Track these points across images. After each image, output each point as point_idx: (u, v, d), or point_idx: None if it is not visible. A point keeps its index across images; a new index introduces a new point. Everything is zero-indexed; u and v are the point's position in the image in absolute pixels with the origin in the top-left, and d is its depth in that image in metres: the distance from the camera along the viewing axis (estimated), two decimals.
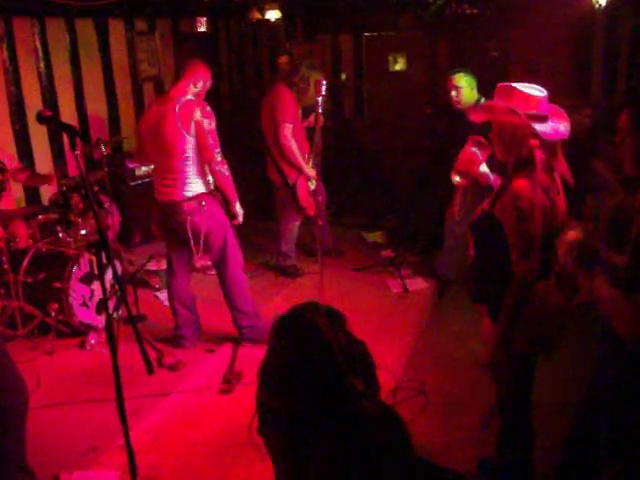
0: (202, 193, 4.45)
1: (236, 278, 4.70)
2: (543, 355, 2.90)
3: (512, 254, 2.63)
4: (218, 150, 4.35)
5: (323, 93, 4.58)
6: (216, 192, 4.59)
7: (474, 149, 3.09)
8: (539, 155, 2.65)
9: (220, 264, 4.67)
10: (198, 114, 4.29)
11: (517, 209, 2.59)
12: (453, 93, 4.89)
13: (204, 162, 4.40)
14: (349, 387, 1.32)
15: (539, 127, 2.62)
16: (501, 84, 2.80)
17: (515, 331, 2.74)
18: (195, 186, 4.42)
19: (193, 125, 4.28)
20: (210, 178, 4.50)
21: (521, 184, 2.63)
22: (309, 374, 1.34)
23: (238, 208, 4.55)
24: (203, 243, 4.48)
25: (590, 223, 5.24)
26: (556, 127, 2.68)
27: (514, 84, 2.73)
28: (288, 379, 1.37)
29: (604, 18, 5.86)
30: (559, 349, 2.91)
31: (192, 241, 4.47)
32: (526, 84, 2.74)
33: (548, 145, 2.66)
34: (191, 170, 4.39)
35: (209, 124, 4.32)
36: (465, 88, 4.88)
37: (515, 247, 2.62)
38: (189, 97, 4.39)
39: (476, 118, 2.91)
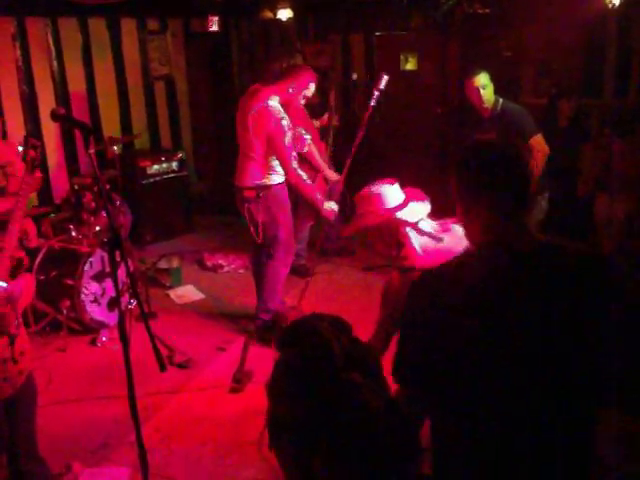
0: (263, 185, 4.58)
1: (273, 274, 4.81)
2: None
3: None
4: (290, 161, 4.50)
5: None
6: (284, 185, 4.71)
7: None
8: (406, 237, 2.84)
9: (265, 255, 4.79)
10: (271, 127, 4.42)
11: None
12: (482, 92, 4.80)
13: (268, 159, 4.55)
14: (346, 381, 1.31)
15: (399, 214, 2.86)
16: (358, 194, 2.98)
17: None
18: (256, 178, 4.57)
19: (264, 135, 4.44)
20: (274, 174, 4.62)
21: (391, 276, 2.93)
22: (306, 375, 1.34)
23: (325, 209, 4.67)
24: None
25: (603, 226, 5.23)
26: (418, 206, 2.92)
27: (369, 189, 2.92)
28: (288, 384, 1.37)
29: (618, 17, 5.83)
30: None
31: (251, 227, 4.65)
32: (377, 183, 2.93)
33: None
34: (254, 164, 4.56)
35: (281, 138, 4.42)
36: (489, 86, 4.82)
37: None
38: (271, 102, 4.46)
39: (348, 233, 3.24)
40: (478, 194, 1.78)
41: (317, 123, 6.24)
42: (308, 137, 5.60)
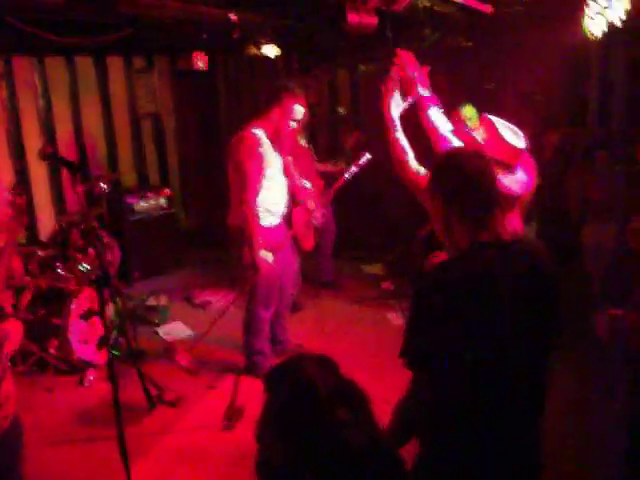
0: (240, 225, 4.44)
1: (254, 315, 4.70)
2: None
3: None
4: (250, 190, 4.31)
5: None
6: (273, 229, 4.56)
7: None
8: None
9: (248, 295, 4.70)
10: (244, 150, 4.31)
11: None
12: (469, 124, 4.86)
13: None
14: (331, 420, 1.31)
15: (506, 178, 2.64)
16: (490, 121, 2.79)
17: None
18: (237, 215, 4.42)
19: (233, 161, 4.36)
20: (262, 215, 4.46)
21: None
22: (292, 415, 1.35)
23: (258, 256, 4.35)
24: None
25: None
26: (520, 180, 2.72)
27: (500, 125, 2.73)
28: (274, 426, 1.38)
29: (599, 48, 5.92)
30: None
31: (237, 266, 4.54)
32: (512, 127, 2.74)
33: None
34: (235, 199, 4.46)
35: (248, 163, 4.29)
36: (473, 119, 4.90)
37: None
38: (254, 130, 4.37)
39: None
40: (456, 199, 2.01)
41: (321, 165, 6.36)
42: (309, 185, 5.58)
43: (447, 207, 2.03)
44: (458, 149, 2.31)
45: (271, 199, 4.51)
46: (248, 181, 4.31)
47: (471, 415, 1.96)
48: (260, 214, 4.43)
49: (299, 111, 4.46)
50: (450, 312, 1.91)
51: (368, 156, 5.52)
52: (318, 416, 1.32)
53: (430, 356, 1.99)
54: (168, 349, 5.01)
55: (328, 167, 6.45)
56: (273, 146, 4.48)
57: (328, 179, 6.09)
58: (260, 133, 4.39)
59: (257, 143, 4.34)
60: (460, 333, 1.91)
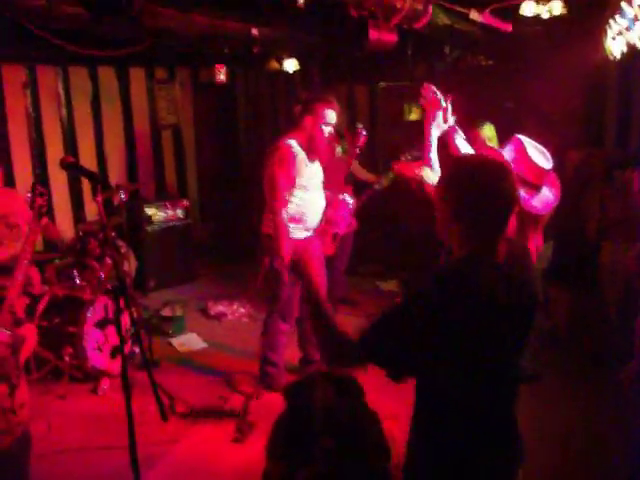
0: (269, 234, 4.42)
1: (272, 326, 4.71)
2: None
3: None
4: (274, 201, 4.34)
5: None
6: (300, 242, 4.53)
7: None
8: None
9: (268, 305, 4.75)
10: (272, 162, 4.33)
11: None
12: (488, 144, 4.88)
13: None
14: (317, 447, 1.34)
15: (522, 193, 2.65)
16: (520, 140, 2.79)
17: None
18: (267, 225, 4.42)
19: (266, 170, 4.38)
20: (292, 227, 4.45)
21: None
22: (288, 436, 1.39)
23: (283, 266, 4.38)
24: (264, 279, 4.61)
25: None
26: (545, 199, 2.74)
27: (529, 145, 2.74)
28: (275, 443, 1.43)
29: (618, 69, 5.91)
30: None
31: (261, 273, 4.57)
32: (540, 148, 2.75)
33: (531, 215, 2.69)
34: (267, 209, 4.45)
35: (280, 171, 4.30)
36: (494, 138, 4.92)
37: None
38: (289, 141, 4.39)
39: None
40: (465, 213, 1.96)
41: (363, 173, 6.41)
42: (350, 201, 5.59)
43: (455, 216, 1.99)
44: (480, 158, 2.28)
45: (302, 210, 4.49)
46: (277, 190, 4.34)
47: (453, 411, 2.10)
48: (290, 225, 4.43)
49: (331, 115, 4.44)
50: (435, 321, 1.92)
51: (364, 133, 5.61)
52: (308, 441, 1.33)
53: (396, 360, 2.10)
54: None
55: (368, 176, 6.47)
56: (308, 156, 4.46)
57: (360, 188, 6.12)
58: (294, 143, 4.39)
59: (290, 153, 4.34)
60: (446, 345, 1.95)
